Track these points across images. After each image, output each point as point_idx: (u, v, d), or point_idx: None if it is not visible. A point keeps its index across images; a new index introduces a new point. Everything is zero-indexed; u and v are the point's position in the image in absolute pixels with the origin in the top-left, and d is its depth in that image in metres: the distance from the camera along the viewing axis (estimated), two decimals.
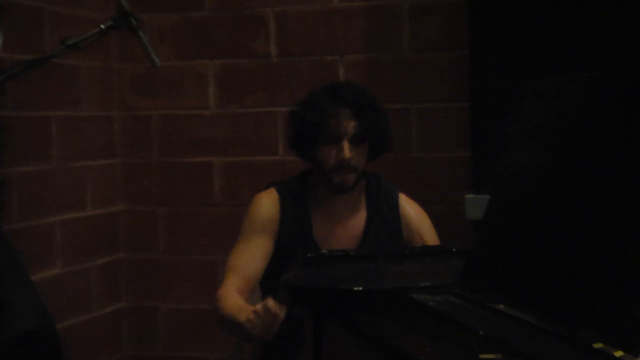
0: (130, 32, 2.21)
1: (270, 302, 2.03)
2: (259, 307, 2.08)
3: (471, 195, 3.27)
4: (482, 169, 3.28)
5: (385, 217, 2.53)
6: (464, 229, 3.16)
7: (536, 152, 1.55)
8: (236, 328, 2.24)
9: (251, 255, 2.47)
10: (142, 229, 3.77)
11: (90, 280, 3.60)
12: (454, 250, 1.82)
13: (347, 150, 2.43)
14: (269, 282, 2.45)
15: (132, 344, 3.81)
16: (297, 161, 2.62)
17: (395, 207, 2.55)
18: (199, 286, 3.70)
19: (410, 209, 2.57)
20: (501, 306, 1.45)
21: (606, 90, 1.40)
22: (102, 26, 2.18)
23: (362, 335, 1.53)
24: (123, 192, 3.77)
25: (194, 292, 3.71)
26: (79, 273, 3.53)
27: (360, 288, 1.59)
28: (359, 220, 2.53)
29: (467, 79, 3.34)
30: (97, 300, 3.64)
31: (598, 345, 1.20)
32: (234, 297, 2.36)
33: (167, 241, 3.75)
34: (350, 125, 2.45)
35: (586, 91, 1.46)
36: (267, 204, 2.53)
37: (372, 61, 3.53)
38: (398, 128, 3.53)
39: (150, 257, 3.77)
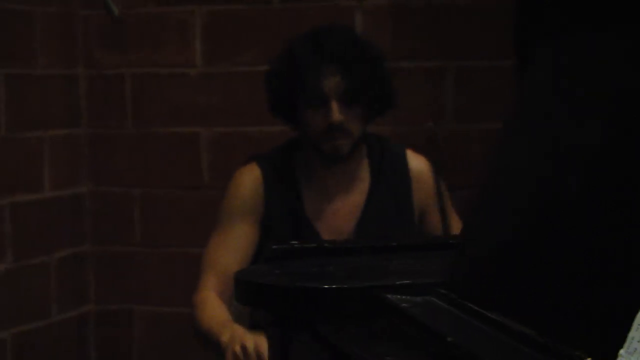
0: None
1: (262, 344, 2.08)
2: (249, 343, 2.14)
3: None
4: None
5: (391, 184, 2.56)
6: None
7: (545, 125, 1.56)
8: (214, 347, 2.30)
9: (232, 248, 2.52)
10: (113, 214, 3.80)
11: (49, 278, 3.64)
12: (451, 242, 1.84)
13: (336, 112, 2.46)
14: None
15: (100, 355, 3.86)
16: None
17: (404, 168, 2.58)
18: (183, 285, 3.72)
19: (423, 167, 2.59)
20: (495, 314, 1.45)
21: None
22: None
23: (327, 346, 1.56)
24: (89, 169, 3.80)
25: (176, 292, 3.74)
26: (34, 268, 3.57)
27: (327, 286, 1.62)
28: (360, 192, 2.57)
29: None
30: (58, 303, 3.67)
31: None
32: (214, 306, 2.42)
33: (144, 230, 3.79)
34: (337, 83, 2.47)
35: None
36: (247, 181, 2.57)
37: (398, 6, 3.53)
38: (430, 92, 3.56)
39: (123, 249, 3.81)
